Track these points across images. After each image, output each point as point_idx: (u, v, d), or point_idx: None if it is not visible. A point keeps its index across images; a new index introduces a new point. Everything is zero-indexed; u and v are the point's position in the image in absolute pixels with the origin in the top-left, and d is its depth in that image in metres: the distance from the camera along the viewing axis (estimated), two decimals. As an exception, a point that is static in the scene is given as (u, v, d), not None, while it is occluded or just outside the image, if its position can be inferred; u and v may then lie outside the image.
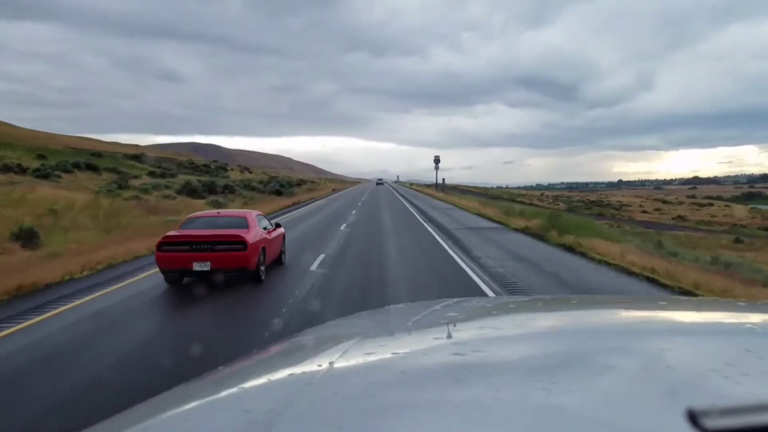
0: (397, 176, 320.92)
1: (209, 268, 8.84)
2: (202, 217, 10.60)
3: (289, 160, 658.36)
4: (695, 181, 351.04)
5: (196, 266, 8.83)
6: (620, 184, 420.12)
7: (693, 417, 0.63)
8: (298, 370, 1.09)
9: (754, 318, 1.38)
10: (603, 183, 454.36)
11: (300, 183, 67.17)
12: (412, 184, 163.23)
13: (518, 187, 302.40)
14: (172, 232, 9.55)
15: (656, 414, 0.74)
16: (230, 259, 8.91)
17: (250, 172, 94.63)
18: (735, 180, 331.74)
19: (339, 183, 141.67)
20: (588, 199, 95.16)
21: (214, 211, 12.59)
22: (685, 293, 8.89)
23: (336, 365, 1.04)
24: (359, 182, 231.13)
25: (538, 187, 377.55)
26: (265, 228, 10.52)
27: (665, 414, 0.72)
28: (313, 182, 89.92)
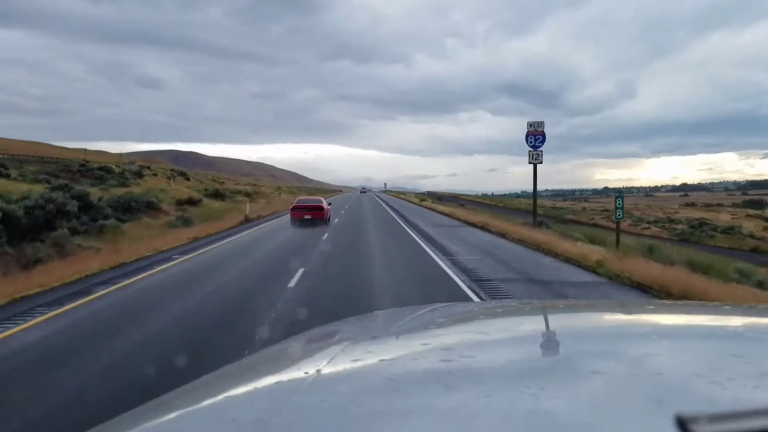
0: (385, 184, 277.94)
1: (310, 217, 24.07)
2: (304, 198, 30.85)
3: (271, 167, 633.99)
4: (684, 188, 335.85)
5: (305, 216, 24.13)
6: (606, 191, 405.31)
7: (682, 423, 0.62)
8: (284, 377, 1.07)
9: (740, 322, 1.37)
10: (589, 190, 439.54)
11: (214, 195, 40.81)
12: (423, 199, 77.57)
13: (504, 195, 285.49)
14: (295, 203, 26.32)
15: (644, 420, 0.72)
16: (317, 214, 24.34)
17: (174, 179, 73.38)
18: (724, 187, 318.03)
19: (307, 192, 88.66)
20: (667, 217, 60.87)
21: (306, 196, 36.82)
22: None
23: (323, 372, 1.01)
24: (340, 191, 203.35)
25: (524, 194, 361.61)
26: (326, 204, 27.18)
27: (653, 420, 0.70)
28: (250, 194, 51.95)
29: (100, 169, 51.65)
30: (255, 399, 0.96)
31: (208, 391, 1.08)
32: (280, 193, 78.54)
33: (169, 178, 68.65)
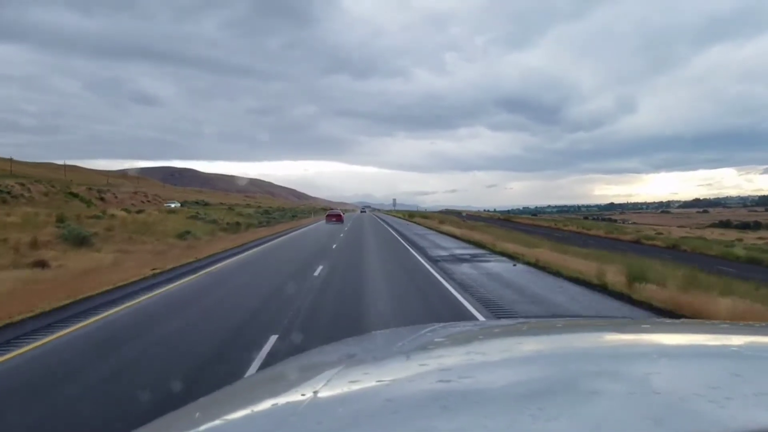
0: (394, 200, 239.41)
1: (335, 220, 57.34)
2: (330, 210, 79.41)
3: (269, 184, 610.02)
4: (698, 204, 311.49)
5: (332, 220, 57.92)
6: (612, 207, 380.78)
7: None
8: (281, 399, 1.03)
9: (738, 340, 1.37)
10: (593, 206, 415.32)
11: None
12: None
13: (507, 210, 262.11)
14: (327, 213, 69.13)
15: None
16: (338, 219, 58.89)
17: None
18: (742, 202, 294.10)
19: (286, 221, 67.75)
20: None
21: (331, 209, 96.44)
22: None
23: (320, 394, 0.98)
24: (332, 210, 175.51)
25: (525, 210, 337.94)
26: (342, 212, 77.83)
27: None
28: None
29: None
30: (252, 422, 0.93)
31: (204, 414, 1.05)
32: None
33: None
